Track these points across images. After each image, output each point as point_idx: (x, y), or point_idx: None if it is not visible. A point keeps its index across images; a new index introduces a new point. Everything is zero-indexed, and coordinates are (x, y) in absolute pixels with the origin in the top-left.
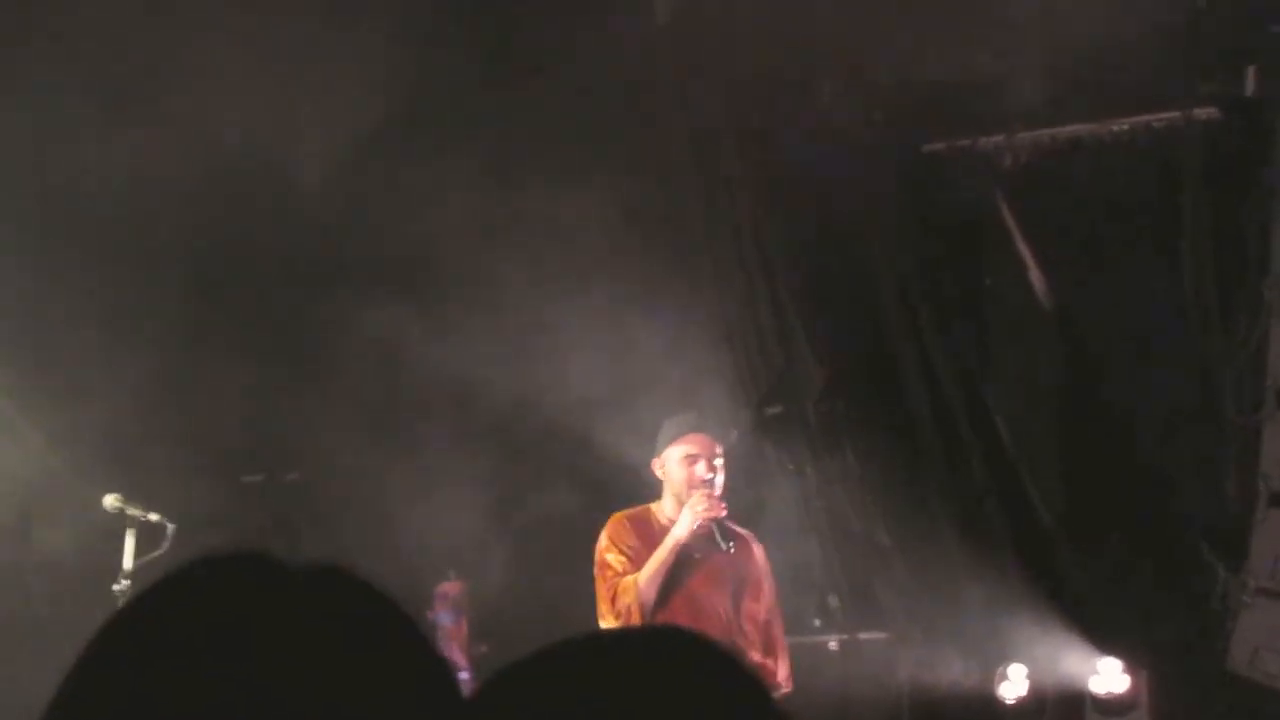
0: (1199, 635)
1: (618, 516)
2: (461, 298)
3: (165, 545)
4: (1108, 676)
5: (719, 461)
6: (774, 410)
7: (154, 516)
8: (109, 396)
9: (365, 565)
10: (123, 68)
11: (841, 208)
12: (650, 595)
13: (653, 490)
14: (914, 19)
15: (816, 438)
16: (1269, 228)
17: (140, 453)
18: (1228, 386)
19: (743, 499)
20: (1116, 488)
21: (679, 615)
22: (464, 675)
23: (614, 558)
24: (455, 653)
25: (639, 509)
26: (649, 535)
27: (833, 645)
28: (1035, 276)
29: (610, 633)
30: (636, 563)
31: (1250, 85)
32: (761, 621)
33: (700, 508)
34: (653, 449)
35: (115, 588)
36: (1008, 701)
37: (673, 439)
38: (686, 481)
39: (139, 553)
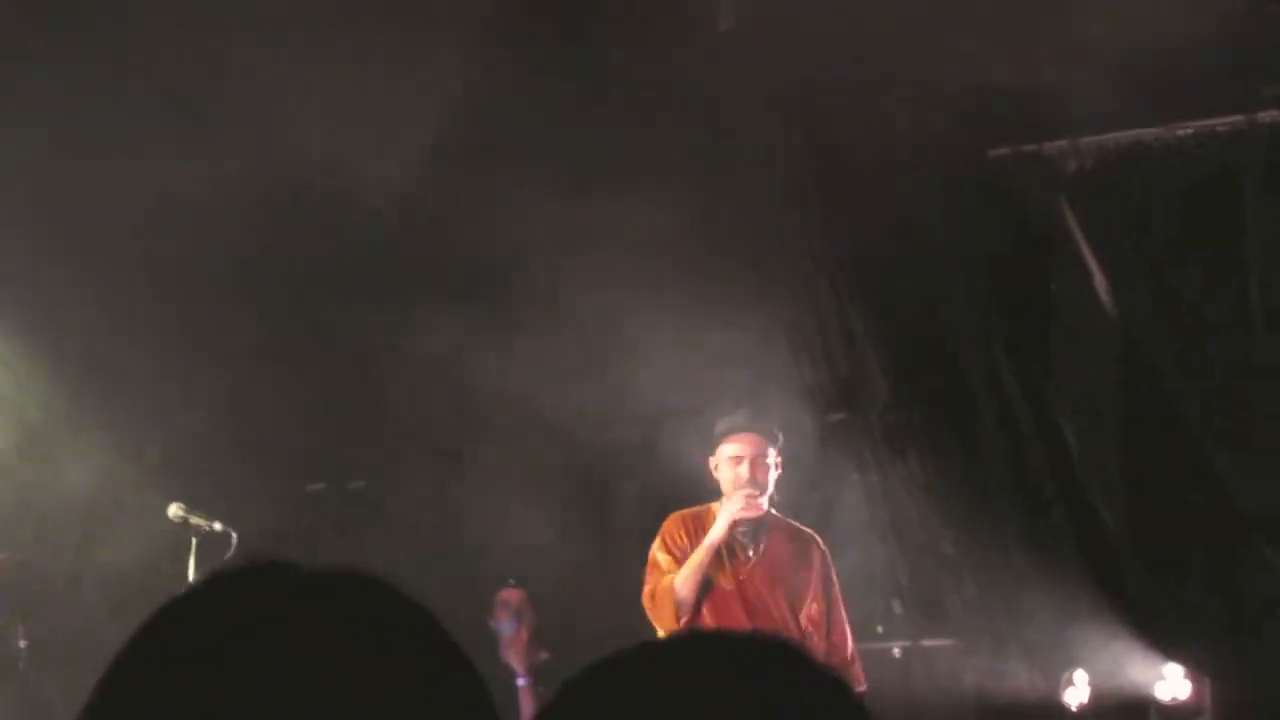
0: (1263, 641)
1: (675, 515)
2: (527, 307)
3: (229, 554)
4: (1171, 683)
5: (770, 461)
6: (840, 417)
7: (218, 526)
8: (174, 408)
9: (428, 573)
10: (191, 86)
11: (907, 214)
12: (687, 595)
13: (711, 492)
14: (979, 24)
15: (882, 445)
16: None
17: (204, 463)
18: None
19: (809, 505)
20: (1180, 494)
21: (731, 615)
22: (522, 682)
23: (663, 557)
24: (515, 660)
25: (698, 508)
26: (702, 534)
27: (897, 652)
28: (1100, 281)
29: (684, 640)
30: (683, 562)
31: None
32: (821, 623)
33: (734, 508)
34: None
35: (178, 592)
36: (1072, 708)
37: (722, 438)
38: (733, 482)
39: (203, 562)
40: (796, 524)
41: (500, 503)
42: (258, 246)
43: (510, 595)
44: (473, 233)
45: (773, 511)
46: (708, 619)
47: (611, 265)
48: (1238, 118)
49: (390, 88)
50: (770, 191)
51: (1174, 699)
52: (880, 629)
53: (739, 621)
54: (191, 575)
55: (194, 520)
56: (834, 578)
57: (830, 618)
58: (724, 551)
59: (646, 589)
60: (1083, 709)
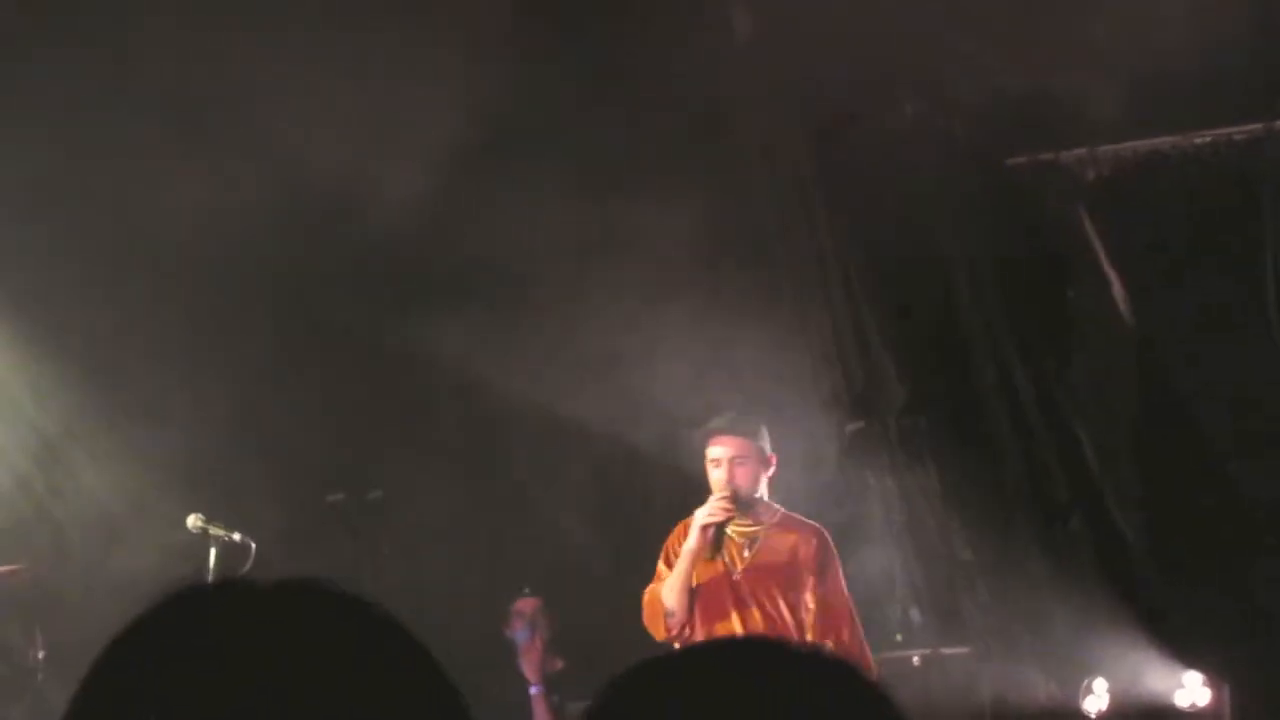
0: None
1: (681, 523)
2: (543, 314)
3: (248, 564)
4: (1191, 690)
5: (754, 461)
6: (856, 426)
7: (236, 536)
8: (192, 418)
9: (446, 582)
10: (199, 94)
11: (924, 222)
12: (673, 603)
13: None
14: (996, 32)
15: (898, 453)
16: None
17: (223, 473)
18: None
19: (828, 513)
20: (1197, 501)
21: (722, 614)
22: (534, 690)
23: (661, 565)
24: (528, 668)
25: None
26: None
27: (915, 660)
28: (1117, 290)
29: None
30: None
31: None
32: (818, 616)
33: (703, 514)
34: None
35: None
36: (1090, 716)
37: (704, 442)
38: (715, 485)
39: (222, 572)
40: (799, 518)
41: (518, 511)
42: (274, 255)
43: (525, 604)
44: (488, 238)
45: (776, 508)
46: (699, 619)
47: (626, 271)
48: (1255, 126)
49: (400, 92)
50: (785, 199)
51: (1193, 706)
52: (899, 637)
53: (730, 620)
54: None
55: (213, 530)
56: (836, 570)
57: (828, 611)
58: (722, 551)
59: (644, 596)
60: (1102, 716)
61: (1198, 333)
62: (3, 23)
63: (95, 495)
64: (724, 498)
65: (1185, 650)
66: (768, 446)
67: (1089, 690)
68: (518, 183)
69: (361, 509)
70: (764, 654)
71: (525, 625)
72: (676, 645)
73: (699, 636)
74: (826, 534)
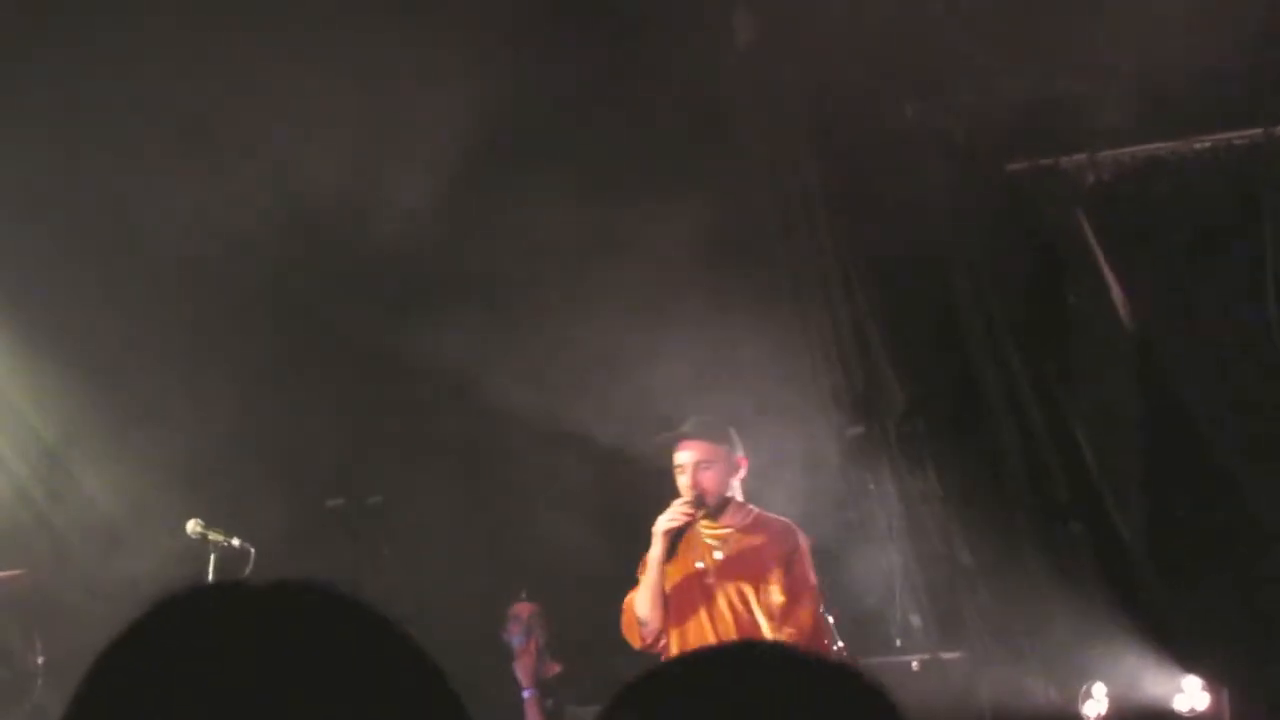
0: None
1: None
2: (544, 318)
3: (247, 569)
4: (1190, 695)
5: (718, 465)
6: (856, 430)
7: (236, 541)
8: (192, 423)
9: (446, 586)
10: (205, 95)
11: (924, 227)
12: (644, 611)
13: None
14: (997, 37)
15: (899, 457)
16: None
17: (222, 479)
18: None
19: (827, 518)
20: (1199, 507)
21: (692, 616)
22: (527, 694)
23: (639, 573)
24: (521, 672)
25: None
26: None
27: (915, 665)
28: (1117, 295)
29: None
30: None
31: None
32: (783, 602)
33: (662, 520)
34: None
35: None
36: None
37: (670, 449)
38: (681, 491)
39: (222, 576)
40: (772, 517)
41: (518, 516)
42: (274, 259)
43: (521, 609)
44: (488, 242)
45: (750, 509)
46: (672, 621)
47: (627, 273)
48: (1255, 132)
49: (401, 95)
50: (786, 202)
51: (1192, 710)
52: (898, 641)
53: (700, 619)
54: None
55: (212, 536)
56: (804, 561)
57: (792, 598)
58: (695, 555)
59: (624, 604)
60: None
61: (1197, 337)
62: (3, 23)
63: (95, 500)
64: (686, 502)
65: (1184, 654)
66: (736, 450)
67: (1088, 695)
68: (518, 186)
69: (361, 514)
70: (770, 660)
71: (521, 629)
72: (655, 653)
73: (671, 639)
74: (796, 529)
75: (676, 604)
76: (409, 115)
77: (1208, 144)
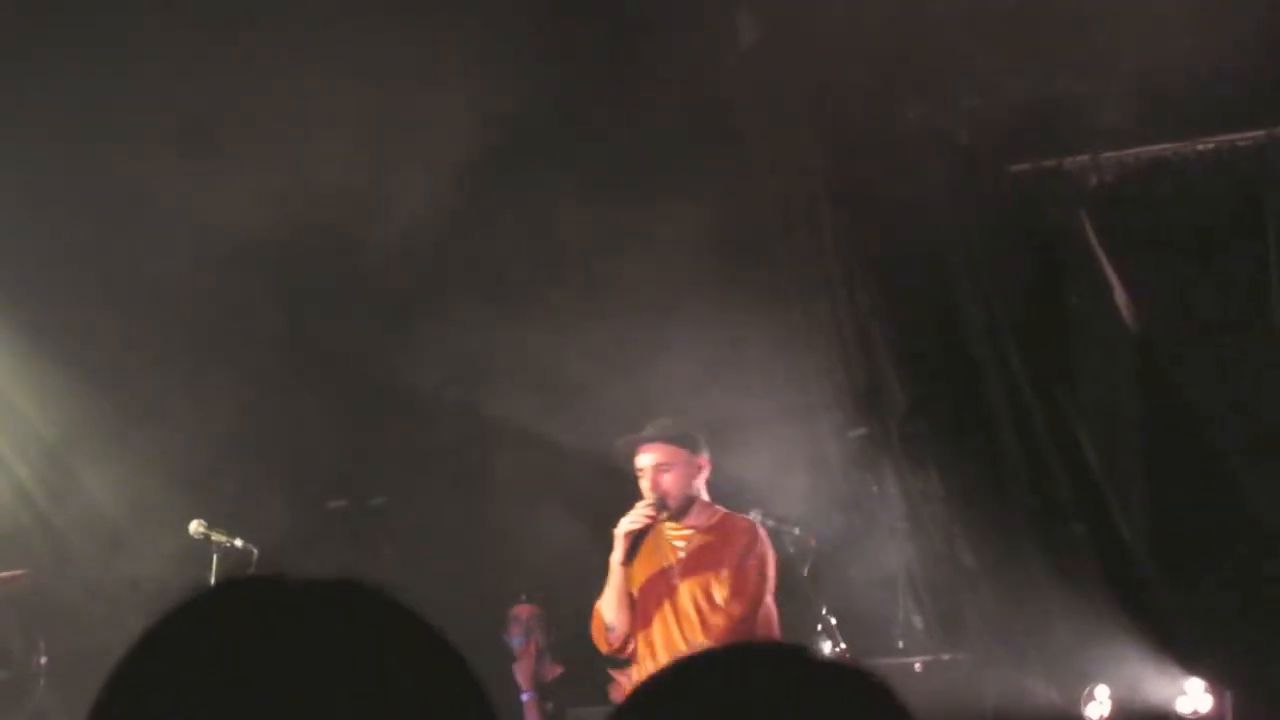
0: None
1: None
2: (547, 320)
3: (250, 571)
4: (1193, 697)
5: (679, 468)
6: (858, 431)
7: (239, 542)
8: (193, 424)
9: (449, 588)
10: (208, 97)
11: (926, 228)
12: (613, 616)
13: (729, 504)
14: (999, 39)
15: (901, 458)
16: None
17: (225, 480)
18: None
19: (829, 519)
20: (1201, 508)
21: (659, 617)
22: (526, 697)
23: None
24: (521, 674)
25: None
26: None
27: (917, 666)
28: (1119, 296)
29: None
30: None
31: None
32: (729, 605)
33: (623, 523)
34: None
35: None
36: None
37: (631, 453)
38: (644, 494)
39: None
40: (737, 516)
41: (521, 518)
42: (278, 260)
43: (521, 610)
44: (493, 245)
45: (716, 509)
46: (638, 623)
47: (631, 277)
48: (1258, 133)
49: (405, 97)
50: (790, 204)
51: (1195, 712)
52: (901, 643)
53: (665, 620)
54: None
55: (215, 537)
56: (758, 556)
57: (732, 599)
58: (661, 556)
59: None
60: None
61: (1200, 338)
62: (5, 24)
63: (96, 501)
64: (647, 505)
65: (1188, 656)
66: (700, 452)
67: (1090, 696)
68: (521, 187)
69: (363, 515)
70: (777, 661)
71: (521, 631)
72: (624, 657)
73: (639, 641)
74: (756, 528)
75: (643, 606)
76: (411, 116)
77: (1210, 145)
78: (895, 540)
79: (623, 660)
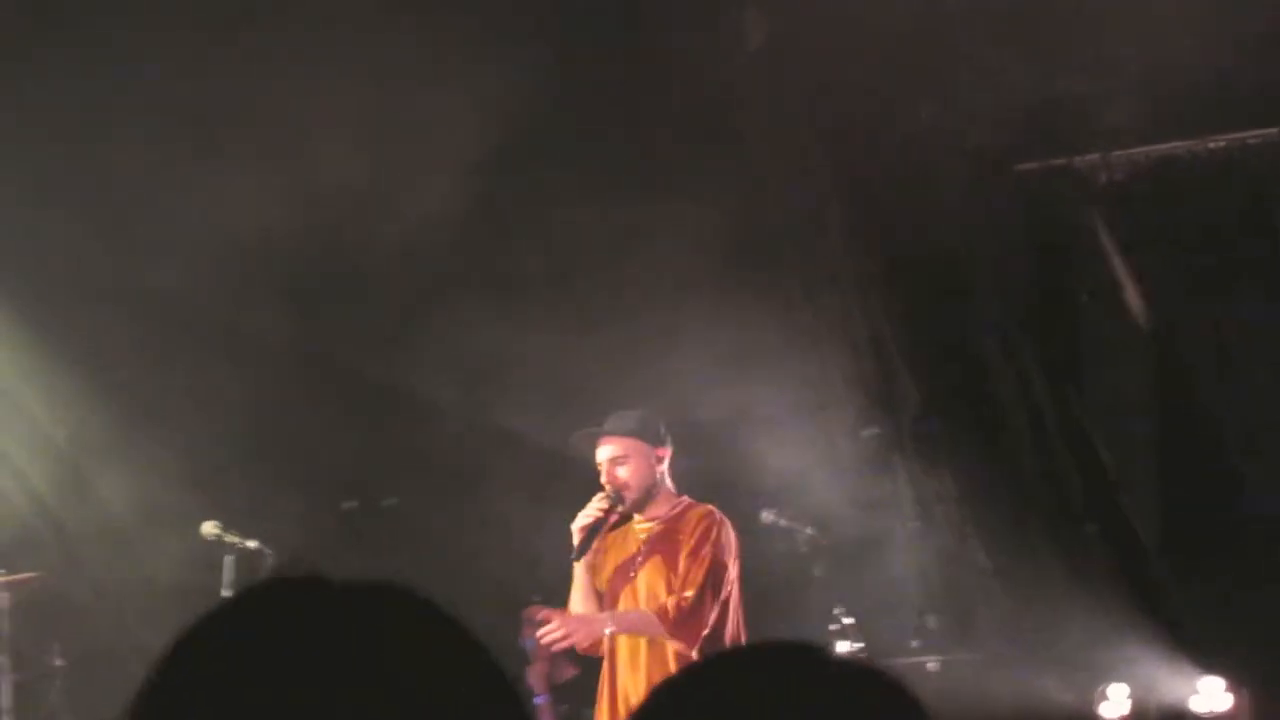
0: None
1: None
2: (560, 320)
3: (264, 572)
4: (1209, 695)
5: (637, 459)
6: (871, 431)
7: (252, 544)
8: (206, 425)
9: (462, 590)
10: (218, 99)
11: (936, 228)
12: (579, 611)
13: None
14: (1009, 38)
15: (913, 457)
16: None
17: (238, 481)
18: None
19: (842, 519)
20: (1214, 504)
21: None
22: (540, 700)
23: None
24: (534, 678)
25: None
26: (608, 548)
27: (931, 666)
28: (1131, 295)
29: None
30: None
31: None
32: (680, 593)
33: (579, 516)
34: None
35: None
36: None
37: (589, 449)
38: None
39: (237, 580)
40: (697, 505)
41: (534, 520)
42: (291, 264)
43: (535, 613)
44: (506, 245)
45: (680, 498)
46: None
47: (642, 275)
48: (1269, 131)
49: (420, 100)
50: (801, 203)
51: (1212, 711)
52: (915, 643)
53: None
54: (227, 590)
55: (228, 538)
56: (713, 543)
57: (685, 575)
58: (627, 550)
59: None
60: None
61: (1213, 335)
62: (10, 23)
63: (108, 503)
64: (602, 498)
65: (1204, 655)
66: (656, 439)
67: (1104, 696)
68: (533, 187)
69: (376, 517)
70: (792, 659)
71: (535, 634)
72: (598, 655)
73: (609, 638)
74: (715, 515)
75: (611, 600)
76: (416, 116)
77: (1221, 143)
78: (909, 540)
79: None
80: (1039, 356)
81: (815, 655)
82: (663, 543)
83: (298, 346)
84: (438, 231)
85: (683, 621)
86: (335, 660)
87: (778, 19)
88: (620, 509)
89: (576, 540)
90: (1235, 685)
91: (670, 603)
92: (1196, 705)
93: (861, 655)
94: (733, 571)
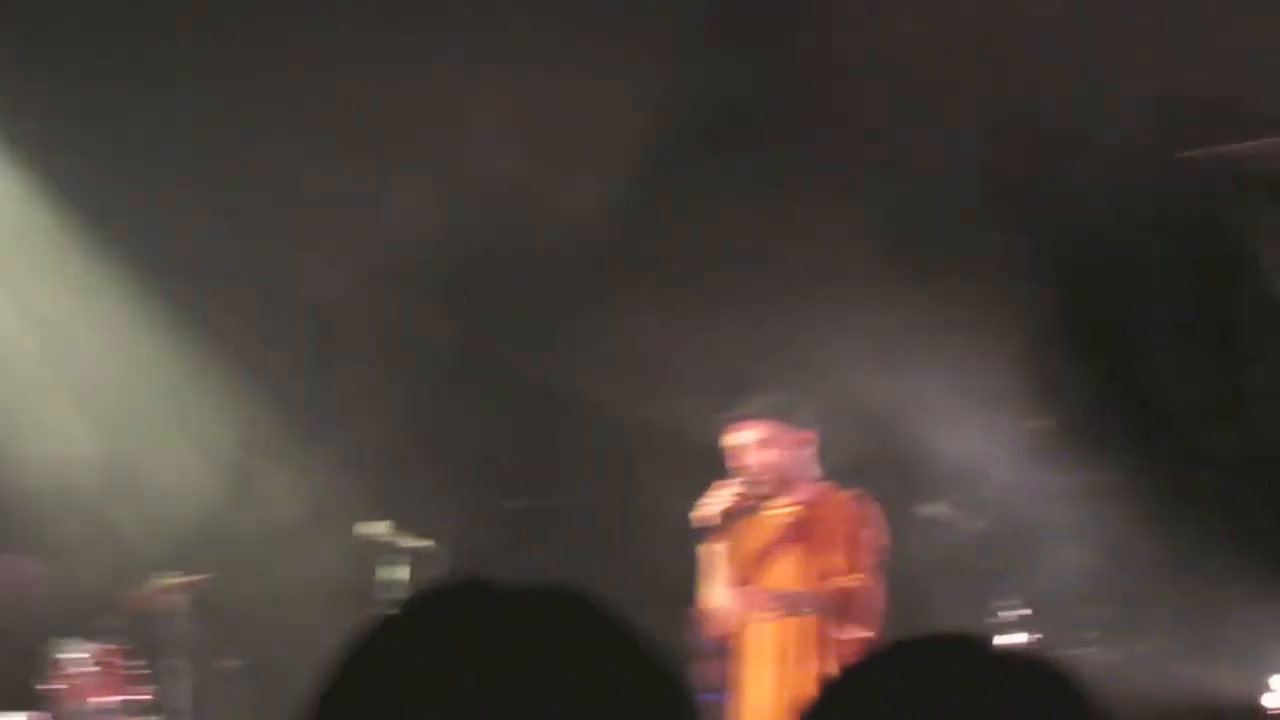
0: None
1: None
2: (720, 311)
3: (433, 571)
4: None
5: (771, 443)
6: (1038, 423)
7: (421, 543)
8: (373, 424)
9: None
10: (381, 96)
11: (1095, 218)
12: (712, 600)
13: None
14: (1166, 27)
15: (1082, 449)
16: None
17: (406, 481)
18: None
19: (1011, 511)
20: None
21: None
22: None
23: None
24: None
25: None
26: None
27: (1100, 657)
28: None
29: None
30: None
31: None
32: (849, 580)
33: (710, 500)
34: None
35: (383, 611)
36: (1271, 711)
37: (727, 432)
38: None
39: (408, 580)
40: (841, 490)
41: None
42: (456, 263)
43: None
44: (663, 242)
45: (819, 483)
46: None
47: (806, 269)
48: None
49: (582, 98)
50: (964, 197)
51: None
52: (1085, 634)
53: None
54: (395, 593)
55: (397, 539)
56: (871, 531)
57: (859, 571)
58: (763, 535)
59: None
60: None
61: None
62: (170, 29)
63: (280, 505)
64: (739, 483)
65: None
66: (800, 423)
67: (1270, 687)
68: (695, 180)
69: (543, 515)
70: (964, 651)
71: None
72: (732, 642)
73: (743, 625)
74: (866, 499)
75: (744, 584)
76: (578, 112)
77: None
78: (1077, 531)
79: (730, 645)
80: (1202, 345)
81: (982, 648)
82: (808, 528)
83: (461, 346)
84: (596, 228)
85: (867, 604)
86: (509, 667)
87: (931, 10)
88: (759, 492)
89: (713, 524)
90: None
91: (850, 585)
92: None
93: (1029, 647)
94: (884, 559)
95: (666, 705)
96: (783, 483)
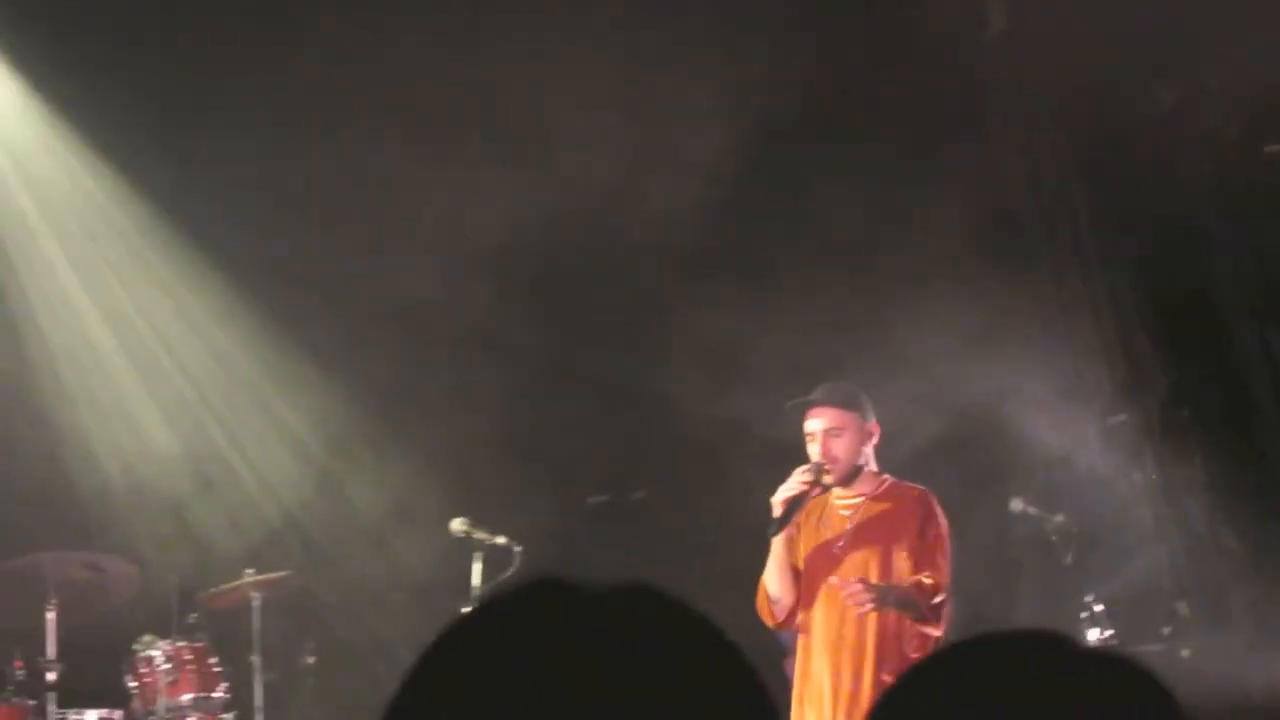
0: None
1: None
2: (805, 307)
3: (513, 567)
4: None
5: (849, 432)
6: (1119, 419)
7: (501, 540)
8: (455, 422)
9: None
10: (473, 92)
11: (1180, 211)
12: (776, 588)
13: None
14: (1251, 18)
15: (1162, 445)
16: None
17: (486, 478)
18: None
19: (1092, 508)
20: None
21: (822, 589)
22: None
23: None
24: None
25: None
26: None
27: (1183, 653)
28: None
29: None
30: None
31: None
32: (909, 568)
33: (783, 488)
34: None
35: (465, 610)
36: None
37: (800, 417)
38: (812, 459)
39: (487, 576)
40: (906, 484)
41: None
42: (539, 262)
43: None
44: (750, 238)
45: (884, 477)
46: (804, 595)
47: (889, 266)
48: None
49: (673, 94)
50: (1044, 190)
51: None
52: (1166, 630)
53: (829, 591)
54: (476, 589)
55: (477, 535)
56: (937, 528)
57: (918, 564)
58: (828, 526)
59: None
60: None
61: None
62: (261, 30)
63: (359, 502)
64: (805, 470)
65: None
66: (868, 417)
67: None
68: (776, 179)
69: (625, 511)
70: (1043, 646)
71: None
72: (792, 630)
73: (802, 613)
74: (930, 495)
75: (809, 577)
76: (669, 108)
77: None
78: (1159, 527)
79: (789, 635)
80: None
81: (1064, 643)
82: (876, 521)
83: (545, 343)
84: (684, 225)
85: (942, 603)
86: (590, 667)
87: (1017, 4)
88: (825, 482)
89: (777, 513)
90: None
91: (927, 582)
92: None
93: (1112, 643)
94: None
95: (746, 705)
96: (850, 473)
